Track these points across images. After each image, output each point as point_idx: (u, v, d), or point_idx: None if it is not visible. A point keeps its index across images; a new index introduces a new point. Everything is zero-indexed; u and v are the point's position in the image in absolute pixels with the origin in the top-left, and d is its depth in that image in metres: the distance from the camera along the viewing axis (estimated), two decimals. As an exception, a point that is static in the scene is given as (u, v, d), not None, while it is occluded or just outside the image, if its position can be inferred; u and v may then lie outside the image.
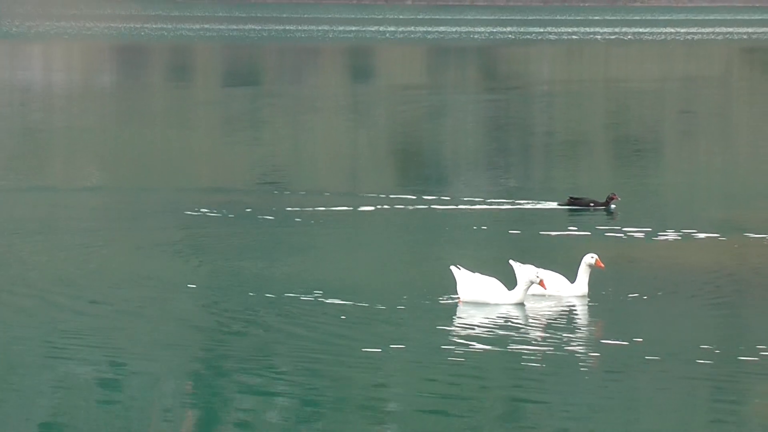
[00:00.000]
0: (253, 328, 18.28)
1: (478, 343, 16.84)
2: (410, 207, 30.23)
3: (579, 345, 17.01)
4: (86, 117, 53.15)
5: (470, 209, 30.17)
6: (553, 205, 30.36)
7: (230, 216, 29.14)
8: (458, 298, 19.38)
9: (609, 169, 40.46)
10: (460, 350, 16.57)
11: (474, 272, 19.40)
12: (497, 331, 17.78)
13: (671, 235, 26.12)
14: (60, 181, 35.30)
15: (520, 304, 19.28)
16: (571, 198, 30.87)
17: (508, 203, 30.61)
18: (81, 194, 32.99)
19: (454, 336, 17.47)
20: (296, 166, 40.45)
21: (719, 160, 42.54)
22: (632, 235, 26.13)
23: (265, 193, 33.15)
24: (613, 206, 30.46)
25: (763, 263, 23.63)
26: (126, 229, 28.42)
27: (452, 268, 19.81)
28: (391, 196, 32.19)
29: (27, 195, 32.77)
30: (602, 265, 19.78)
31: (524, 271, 19.33)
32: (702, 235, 26.08)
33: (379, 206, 30.90)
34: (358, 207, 30.50)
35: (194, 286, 21.30)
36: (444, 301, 19.31)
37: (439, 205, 30.34)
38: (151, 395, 14.95)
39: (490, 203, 30.71)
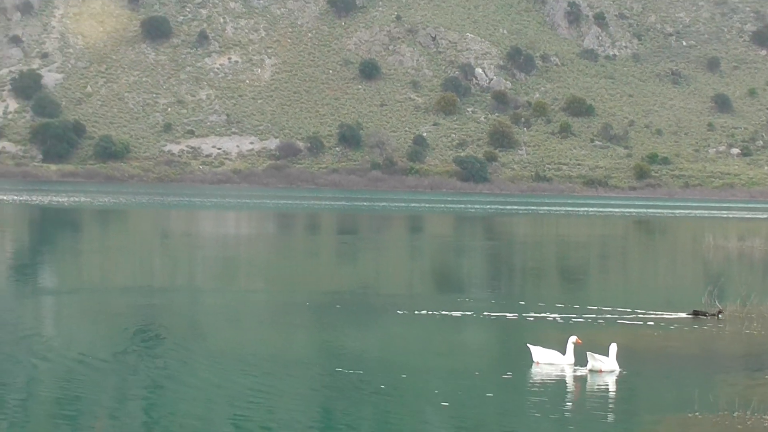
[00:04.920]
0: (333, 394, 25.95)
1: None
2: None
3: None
4: (265, 252, 61.13)
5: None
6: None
7: (338, 307, 34.53)
8: (536, 361, 26.24)
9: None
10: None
11: (543, 348, 26.50)
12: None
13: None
14: (244, 288, 40.37)
15: (570, 363, 25.99)
16: (694, 311, 35.73)
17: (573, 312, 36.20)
18: (254, 295, 37.70)
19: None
20: (388, 279, 46.93)
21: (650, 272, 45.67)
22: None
23: (369, 296, 38.29)
24: (720, 316, 35.32)
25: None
26: (284, 319, 34.22)
27: (529, 345, 26.99)
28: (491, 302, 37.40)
29: (220, 294, 37.67)
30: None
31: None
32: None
33: (487, 313, 35.42)
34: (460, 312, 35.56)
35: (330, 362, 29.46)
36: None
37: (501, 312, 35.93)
38: None
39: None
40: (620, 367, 25.69)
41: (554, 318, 34.48)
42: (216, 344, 28.61)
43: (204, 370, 24.80)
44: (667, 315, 35.61)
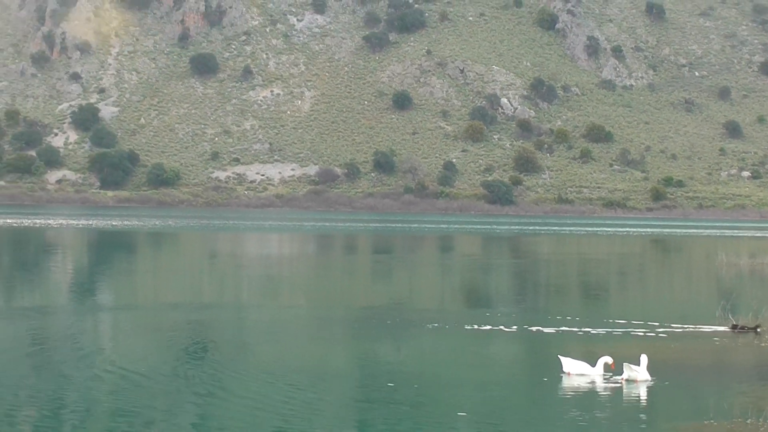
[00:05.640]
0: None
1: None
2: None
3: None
4: (305, 271, 57.78)
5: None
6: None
7: (373, 322, 34.35)
8: (567, 372, 25.86)
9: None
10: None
11: (573, 359, 26.13)
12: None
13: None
14: (286, 304, 39.71)
15: (598, 375, 25.57)
16: (733, 324, 34.78)
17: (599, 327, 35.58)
18: (296, 311, 37.72)
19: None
20: (420, 295, 44.90)
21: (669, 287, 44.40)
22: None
23: (402, 311, 37.46)
24: (759, 330, 34.50)
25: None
26: (323, 333, 34.27)
27: (559, 356, 26.64)
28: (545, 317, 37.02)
29: (266, 311, 37.47)
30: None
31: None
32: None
33: (515, 327, 35.25)
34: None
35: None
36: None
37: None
38: None
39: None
40: (653, 377, 25.37)
41: (581, 331, 34.07)
42: (260, 357, 28.53)
43: (249, 382, 24.70)
44: (706, 328, 35.07)
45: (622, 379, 25.33)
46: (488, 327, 34.59)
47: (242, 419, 20.99)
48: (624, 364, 25.36)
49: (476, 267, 68.77)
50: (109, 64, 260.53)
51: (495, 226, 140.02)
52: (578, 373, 25.74)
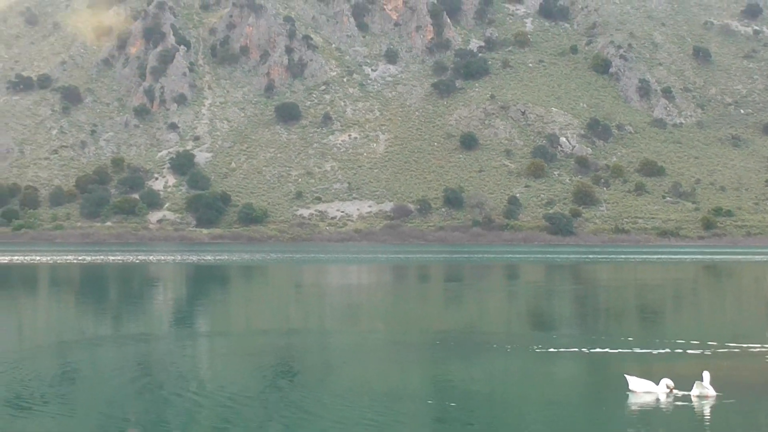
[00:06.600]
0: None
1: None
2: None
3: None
4: (382, 298, 57.78)
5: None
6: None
7: (446, 345, 34.05)
8: (633, 390, 25.17)
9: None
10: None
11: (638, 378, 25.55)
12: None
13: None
14: (365, 329, 39.44)
15: (664, 392, 24.80)
16: None
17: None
18: (374, 335, 37.35)
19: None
20: (488, 319, 44.15)
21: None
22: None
23: (472, 334, 37.23)
24: None
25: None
26: (399, 356, 33.77)
27: (625, 375, 26.15)
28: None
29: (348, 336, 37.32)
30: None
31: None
32: None
33: (578, 348, 34.62)
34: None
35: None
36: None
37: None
38: None
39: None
40: (718, 394, 24.66)
41: (641, 352, 33.27)
42: (341, 380, 28.40)
43: (332, 403, 24.56)
44: (758, 348, 34.07)
45: (693, 395, 24.53)
46: (553, 348, 34.05)
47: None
48: (696, 382, 24.65)
49: (540, 293, 68.09)
50: (203, 114, 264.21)
51: (556, 255, 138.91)
52: (644, 391, 24.98)
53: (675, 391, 24.87)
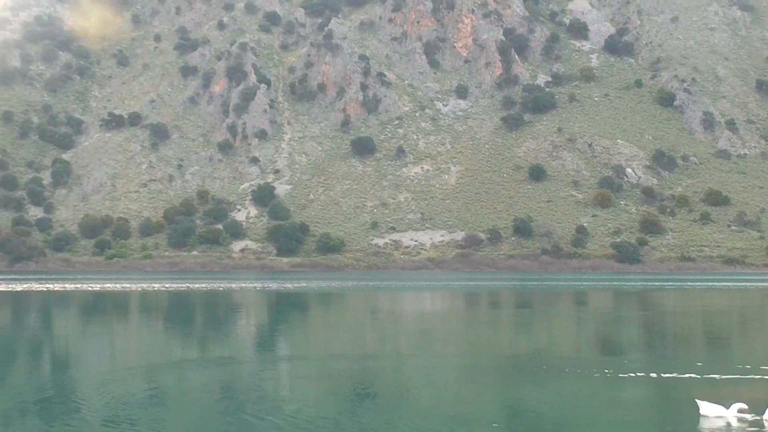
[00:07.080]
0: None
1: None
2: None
3: None
4: (454, 324, 56.47)
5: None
6: None
7: (516, 369, 33.72)
8: (704, 415, 24.56)
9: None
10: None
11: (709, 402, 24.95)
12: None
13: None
14: (438, 354, 39.24)
15: (735, 416, 24.14)
16: None
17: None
18: (447, 360, 37.08)
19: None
20: (558, 345, 42.60)
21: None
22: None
23: (542, 359, 36.69)
24: None
25: None
26: (471, 380, 33.38)
27: (696, 399, 25.65)
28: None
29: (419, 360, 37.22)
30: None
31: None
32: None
33: (647, 373, 34.13)
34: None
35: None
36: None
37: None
38: None
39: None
40: None
41: (709, 376, 32.42)
42: (414, 403, 28.09)
43: (404, 427, 24.24)
44: None
45: (765, 420, 23.73)
46: (622, 373, 33.34)
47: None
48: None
49: (608, 319, 66.94)
50: (283, 149, 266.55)
51: (624, 283, 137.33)
52: (716, 416, 24.32)
53: (747, 415, 24.19)
